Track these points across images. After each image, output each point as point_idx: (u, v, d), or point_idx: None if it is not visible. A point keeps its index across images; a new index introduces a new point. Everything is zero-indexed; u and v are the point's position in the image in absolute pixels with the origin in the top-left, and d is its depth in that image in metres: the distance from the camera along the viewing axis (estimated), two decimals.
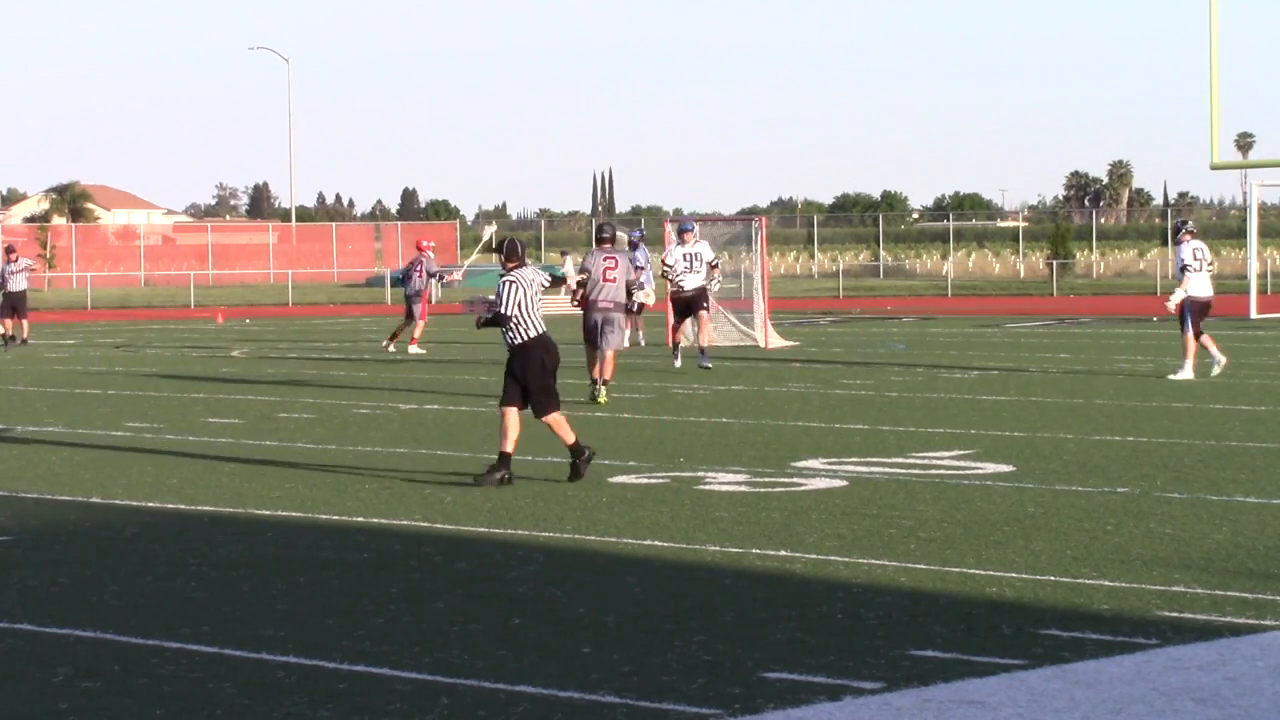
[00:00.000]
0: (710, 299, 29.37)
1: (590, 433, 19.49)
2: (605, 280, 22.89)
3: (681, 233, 28.57)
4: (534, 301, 15.46)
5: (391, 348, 35.05)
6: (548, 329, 15.56)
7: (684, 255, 28.12)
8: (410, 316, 35.66)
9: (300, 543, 12.66)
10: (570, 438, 15.35)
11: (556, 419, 15.37)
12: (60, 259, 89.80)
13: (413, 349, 34.69)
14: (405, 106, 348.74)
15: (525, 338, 15.37)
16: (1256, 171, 55.81)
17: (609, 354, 23.07)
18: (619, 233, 30.41)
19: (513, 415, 15.25)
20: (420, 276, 35.84)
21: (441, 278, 37.86)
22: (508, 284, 15.45)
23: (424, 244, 37.13)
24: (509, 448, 15.19)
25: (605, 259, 23.05)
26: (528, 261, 15.83)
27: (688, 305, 28.26)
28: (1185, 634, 9.15)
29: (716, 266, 28.83)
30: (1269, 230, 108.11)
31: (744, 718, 7.73)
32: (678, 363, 28.30)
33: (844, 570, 11.16)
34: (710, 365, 27.50)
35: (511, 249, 15.81)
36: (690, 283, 28.09)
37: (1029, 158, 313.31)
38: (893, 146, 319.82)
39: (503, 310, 15.41)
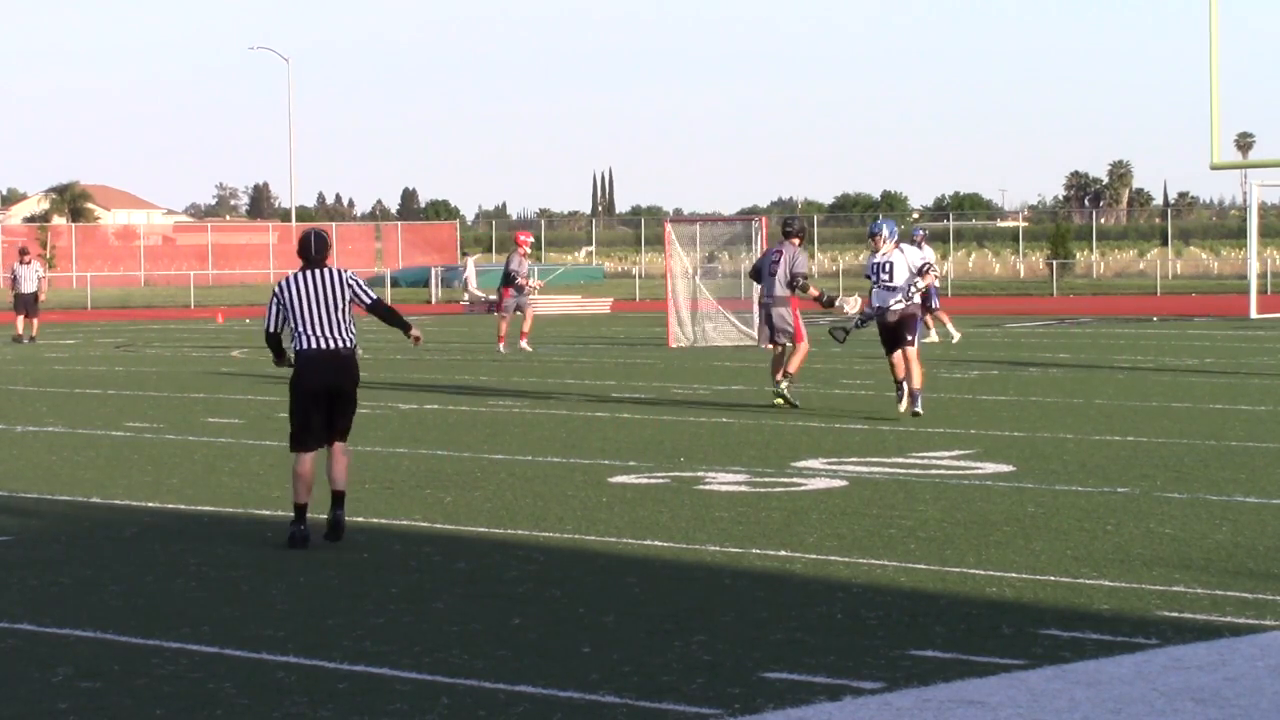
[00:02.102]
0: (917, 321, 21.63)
1: (590, 432, 19.51)
2: (769, 275, 22.81)
3: (872, 236, 21.74)
4: (319, 309, 12.42)
5: (526, 345, 34.57)
6: (344, 343, 12.52)
7: (874, 266, 21.39)
8: (518, 310, 35.30)
9: None
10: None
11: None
12: (60, 259, 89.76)
13: (522, 344, 34.48)
14: (405, 106, 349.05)
15: (300, 348, 12.57)
16: (1256, 171, 55.90)
17: (793, 348, 22.48)
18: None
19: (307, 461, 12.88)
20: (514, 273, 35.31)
21: (514, 278, 34.98)
22: (271, 296, 12.69)
23: (521, 237, 36.28)
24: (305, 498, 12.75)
25: (773, 253, 22.97)
26: (328, 262, 12.55)
27: (892, 334, 21.17)
28: (1185, 634, 9.14)
29: (928, 272, 21.71)
30: (1269, 230, 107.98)
31: (744, 718, 7.72)
32: (902, 406, 20.87)
33: (844, 570, 11.16)
34: (920, 411, 20.52)
35: (302, 245, 12.54)
36: (885, 301, 21.28)
37: (1029, 158, 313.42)
38: (893, 146, 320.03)
39: (267, 327, 12.70)
